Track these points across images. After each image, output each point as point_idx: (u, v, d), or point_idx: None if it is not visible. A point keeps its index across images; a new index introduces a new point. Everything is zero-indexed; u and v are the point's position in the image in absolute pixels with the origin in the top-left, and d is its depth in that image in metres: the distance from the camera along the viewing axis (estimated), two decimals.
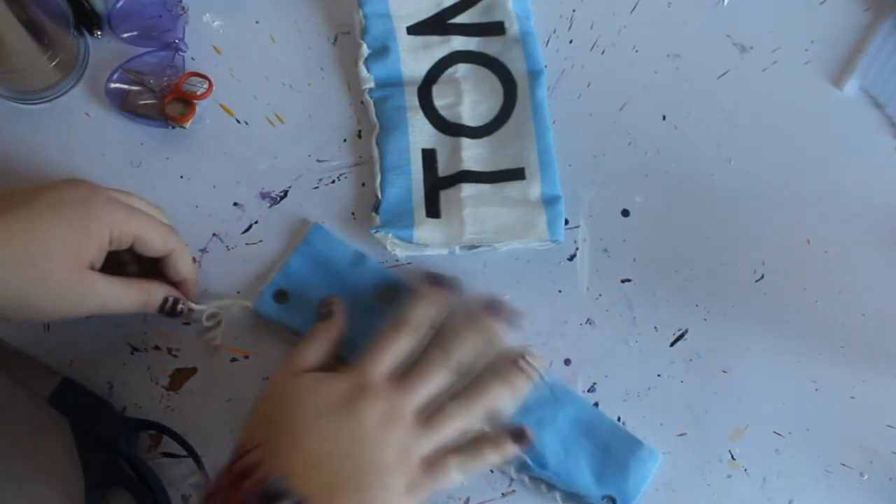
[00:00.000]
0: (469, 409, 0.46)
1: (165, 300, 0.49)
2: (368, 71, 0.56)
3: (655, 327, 0.54)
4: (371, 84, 0.56)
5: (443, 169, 0.55)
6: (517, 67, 0.57)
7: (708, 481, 0.52)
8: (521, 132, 0.56)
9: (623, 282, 0.55)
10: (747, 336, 0.54)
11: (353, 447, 0.42)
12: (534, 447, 0.48)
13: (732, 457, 0.53)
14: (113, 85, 0.56)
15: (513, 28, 0.58)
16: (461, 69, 0.57)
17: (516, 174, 0.55)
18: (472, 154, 0.55)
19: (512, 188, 0.55)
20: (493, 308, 0.49)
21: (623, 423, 0.52)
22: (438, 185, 0.55)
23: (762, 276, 0.56)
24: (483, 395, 0.47)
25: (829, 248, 0.56)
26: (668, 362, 0.54)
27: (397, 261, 0.54)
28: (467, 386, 0.47)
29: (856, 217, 0.57)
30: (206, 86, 0.56)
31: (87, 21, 0.57)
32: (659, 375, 0.54)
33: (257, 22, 0.59)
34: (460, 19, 0.58)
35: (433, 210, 0.54)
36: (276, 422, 0.43)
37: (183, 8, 0.58)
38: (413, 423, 0.44)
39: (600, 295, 0.55)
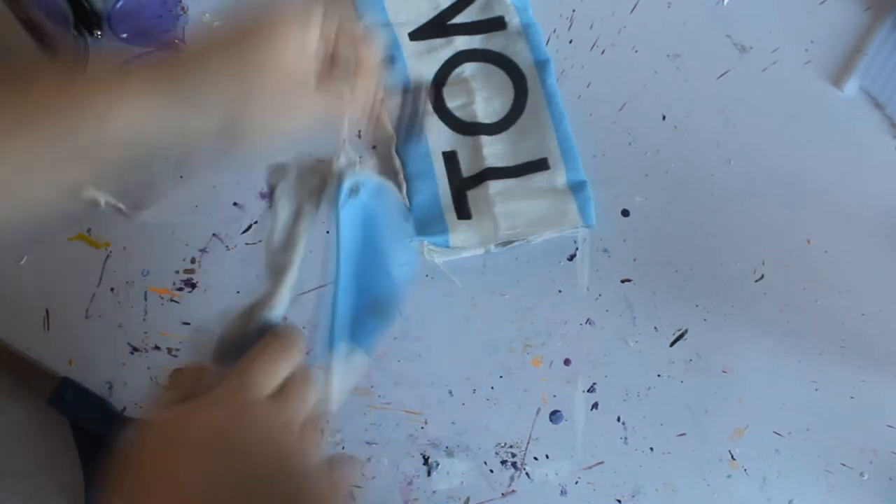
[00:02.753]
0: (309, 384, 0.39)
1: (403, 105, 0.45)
2: None
3: (655, 327, 0.54)
4: (381, 94, 0.56)
5: (466, 169, 0.55)
6: (524, 59, 0.57)
7: (708, 481, 0.52)
8: (537, 123, 0.56)
9: (623, 282, 0.55)
10: (747, 336, 0.54)
11: (243, 479, 0.35)
12: None
13: (732, 457, 0.53)
14: None
15: (513, 21, 0.58)
16: (468, 68, 0.57)
17: (540, 165, 0.55)
18: (493, 151, 0.55)
19: (538, 179, 0.55)
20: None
21: (623, 424, 0.52)
22: (464, 185, 0.55)
23: (762, 276, 0.56)
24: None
25: (829, 248, 0.56)
26: (668, 362, 0.54)
27: None
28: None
29: (856, 217, 0.57)
30: None
31: (87, 21, 0.57)
32: (659, 375, 0.54)
33: None
34: (460, 19, 0.58)
35: (464, 211, 0.54)
36: (156, 461, 0.36)
37: (183, 8, 0.58)
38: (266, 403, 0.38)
39: (600, 295, 0.55)
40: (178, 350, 0.52)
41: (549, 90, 0.56)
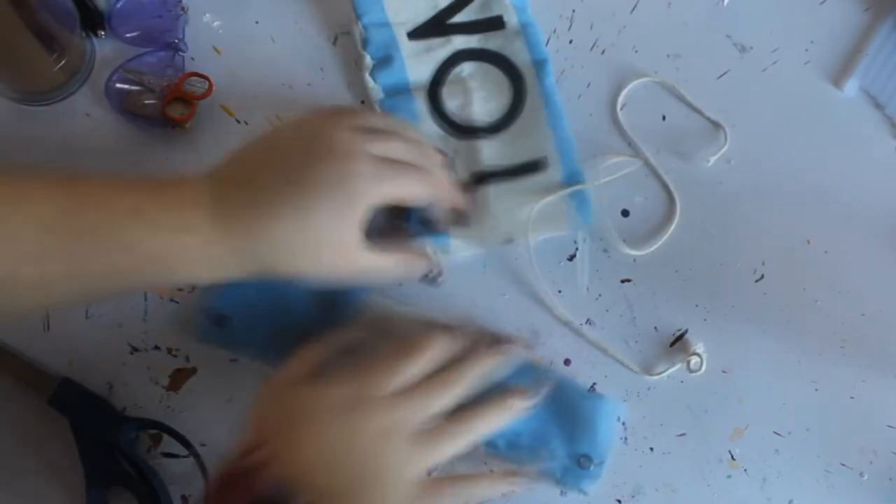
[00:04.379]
0: (467, 433, 0.45)
1: (427, 273, 0.51)
2: (375, 81, 0.56)
3: (655, 327, 0.54)
4: (380, 94, 0.56)
5: (463, 170, 0.55)
6: (521, 59, 0.57)
7: (708, 481, 0.52)
8: (535, 123, 0.56)
9: (623, 282, 0.55)
10: (747, 336, 0.54)
11: (353, 458, 0.42)
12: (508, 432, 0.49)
13: (732, 457, 0.53)
14: (113, 85, 0.56)
15: (512, 20, 0.58)
16: (466, 68, 0.57)
17: (538, 165, 0.55)
18: (491, 152, 0.55)
19: (535, 179, 0.55)
20: (507, 340, 0.49)
21: (623, 424, 0.52)
22: (463, 188, 0.54)
23: (762, 276, 0.56)
24: (482, 419, 0.45)
25: (829, 248, 0.56)
26: (668, 362, 0.54)
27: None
28: (464, 406, 0.46)
29: (856, 217, 0.57)
30: (205, 86, 0.56)
31: (91, 21, 0.57)
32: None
33: (257, 22, 0.59)
34: (459, 18, 0.58)
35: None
36: (282, 422, 0.43)
37: (183, 8, 0.58)
38: (412, 441, 0.43)
39: (600, 295, 0.55)
40: (177, 350, 0.52)
41: (546, 90, 0.56)
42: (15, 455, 0.50)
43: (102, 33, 0.58)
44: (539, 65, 0.57)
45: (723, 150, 0.57)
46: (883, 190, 0.58)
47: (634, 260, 0.55)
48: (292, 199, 0.42)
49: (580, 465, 0.50)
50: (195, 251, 0.42)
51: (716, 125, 0.58)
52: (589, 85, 0.59)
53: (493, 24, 0.58)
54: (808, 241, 0.56)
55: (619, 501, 0.51)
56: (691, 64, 0.60)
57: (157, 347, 0.52)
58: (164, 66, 0.57)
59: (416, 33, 0.58)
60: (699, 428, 0.53)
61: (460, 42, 0.58)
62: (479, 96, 0.57)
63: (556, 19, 0.60)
